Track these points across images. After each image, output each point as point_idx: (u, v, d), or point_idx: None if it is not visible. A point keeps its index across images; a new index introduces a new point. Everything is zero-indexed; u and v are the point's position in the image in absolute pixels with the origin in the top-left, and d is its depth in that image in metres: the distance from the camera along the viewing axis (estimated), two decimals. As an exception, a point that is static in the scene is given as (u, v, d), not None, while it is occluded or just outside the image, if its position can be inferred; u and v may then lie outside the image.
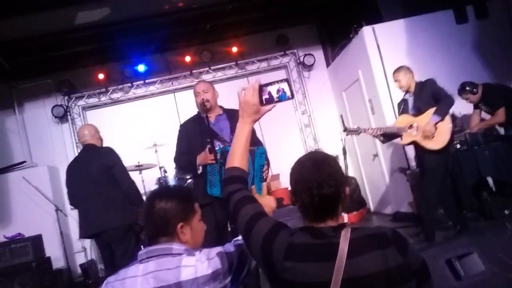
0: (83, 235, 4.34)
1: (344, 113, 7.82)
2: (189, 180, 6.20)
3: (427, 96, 4.57)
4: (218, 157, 3.42)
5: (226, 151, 3.48)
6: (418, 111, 4.62)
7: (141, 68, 7.82)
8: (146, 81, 8.09)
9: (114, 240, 4.14)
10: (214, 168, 3.50)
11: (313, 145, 8.19)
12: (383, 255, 1.43)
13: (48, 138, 7.88)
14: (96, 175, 4.15)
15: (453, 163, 4.95)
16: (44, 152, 7.77)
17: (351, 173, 7.93)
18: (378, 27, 6.50)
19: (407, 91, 4.83)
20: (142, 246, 5.44)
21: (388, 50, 6.43)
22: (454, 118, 4.69)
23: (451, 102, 4.51)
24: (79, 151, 7.63)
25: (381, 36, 6.47)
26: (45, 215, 6.76)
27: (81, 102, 8.04)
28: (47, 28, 6.05)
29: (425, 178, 4.65)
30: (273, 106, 1.74)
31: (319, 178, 1.48)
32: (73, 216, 7.47)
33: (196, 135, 3.75)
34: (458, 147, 5.14)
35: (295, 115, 8.36)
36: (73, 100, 7.98)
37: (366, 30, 6.51)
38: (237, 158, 1.74)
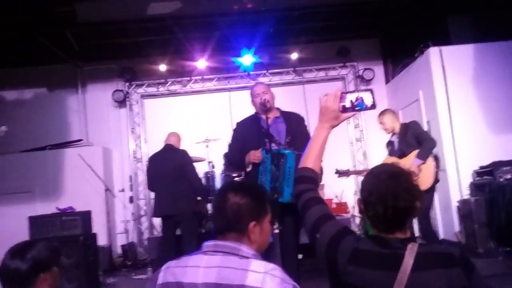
0: (157, 214, 5.44)
1: (398, 132, 7.66)
2: (236, 179, 6.27)
3: (411, 138, 4.72)
4: (270, 158, 3.45)
5: (281, 154, 3.51)
6: (402, 153, 4.75)
7: (201, 64, 7.98)
8: (204, 77, 8.25)
9: (183, 221, 5.17)
10: (266, 169, 3.53)
11: (362, 160, 8.09)
12: (447, 275, 1.42)
13: (105, 121, 8.19)
14: (172, 169, 5.18)
15: (510, 197, 4.83)
16: (100, 133, 8.08)
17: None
18: (445, 49, 6.37)
19: (393, 133, 4.96)
20: (202, 230, 5.92)
21: (454, 74, 6.28)
22: (436, 158, 4.74)
23: (432, 145, 4.67)
24: (134, 137, 8.00)
25: (447, 59, 6.32)
26: (94, 194, 7.02)
27: (140, 90, 8.31)
28: (120, 15, 6.30)
29: (420, 220, 4.72)
30: (353, 114, 1.77)
31: (395, 191, 1.50)
32: (119, 198, 7.76)
33: (252, 134, 3.78)
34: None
35: (347, 128, 8.28)
36: (133, 87, 8.26)
37: (433, 51, 6.38)
38: (311, 159, 1.78)
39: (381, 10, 7.11)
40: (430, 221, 4.83)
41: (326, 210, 1.69)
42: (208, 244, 1.59)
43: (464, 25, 6.74)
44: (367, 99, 1.74)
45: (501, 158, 5.73)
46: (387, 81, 8.33)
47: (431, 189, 4.68)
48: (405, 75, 7.33)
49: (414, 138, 4.68)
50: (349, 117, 1.79)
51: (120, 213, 7.83)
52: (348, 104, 1.74)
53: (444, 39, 6.57)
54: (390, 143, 5.01)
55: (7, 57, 7.61)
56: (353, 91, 1.78)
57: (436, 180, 4.67)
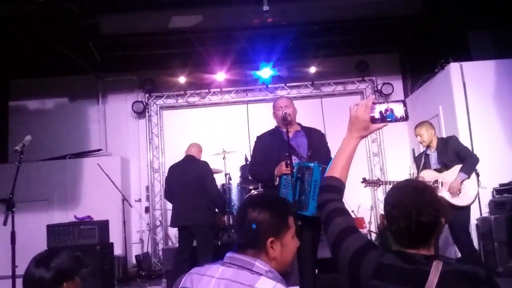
0: (174, 224, 5.36)
1: (417, 147, 7.58)
2: (253, 191, 6.27)
3: (451, 153, 4.66)
4: (295, 170, 3.45)
5: (304, 166, 3.50)
6: (444, 166, 4.69)
7: (219, 76, 8.05)
8: (223, 89, 8.32)
9: (199, 233, 5.11)
10: (289, 182, 3.52)
11: (379, 175, 8.01)
12: None
13: (124, 131, 8.30)
14: (192, 180, 5.18)
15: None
16: (118, 143, 8.20)
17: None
18: (466, 65, 6.30)
19: (428, 146, 4.88)
20: (219, 242, 5.87)
21: (474, 90, 6.21)
22: (478, 175, 4.67)
23: (476, 161, 4.61)
24: (152, 147, 8.08)
25: (468, 75, 6.25)
26: (111, 203, 7.08)
27: (160, 102, 8.41)
28: (143, 28, 6.41)
29: (463, 234, 4.60)
30: (383, 125, 1.74)
31: (419, 205, 1.48)
32: (135, 208, 7.81)
33: (273, 148, 3.80)
34: None
35: (365, 142, 8.22)
36: (153, 99, 8.37)
37: (453, 67, 6.32)
38: (338, 169, 1.76)
39: (400, 25, 7.10)
40: (471, 237, 4.73)
41: (350, 222, 1.66)
42: (228, 255, 1.62)
43: (485, 41, 6.69)
44: (398, 110, 1.71)
45: (522, 176, 5.62)
46: (406, 95, 8.28)
47: (469, 206, 4.62)
48: (425, 90, 7.28)
49: (455, 153, 4.64)
50: (379, 128, 1.76)
51: (135, 223, 7.89)
52: (377, 115, 1.71)
53: (465, 55, 6.52)
54: (425, 156, 4.91)
55: (30, 67, 7.81)
56: (384, 102, 1.75)
57: (476, 197, 4.63)
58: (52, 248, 4.84)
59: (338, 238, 1.61)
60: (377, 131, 8.13)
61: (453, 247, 5.91)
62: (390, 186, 4.90)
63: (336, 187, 1.74)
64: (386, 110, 1.71)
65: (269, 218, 1.60)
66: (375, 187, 5.53)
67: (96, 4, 5.87)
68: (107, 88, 8.44)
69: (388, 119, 1.71)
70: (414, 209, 1.47)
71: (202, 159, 5.61)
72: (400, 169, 7.71)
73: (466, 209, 4.59)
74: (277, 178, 3.63)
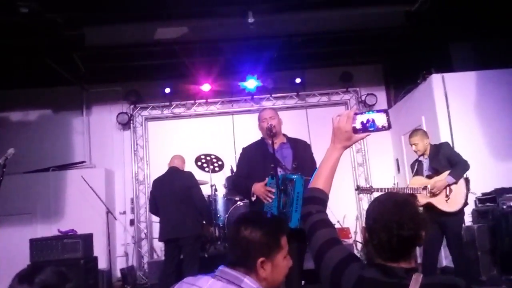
0: (162, 238, 5.29)
1: (400, 157, 7.69)
2: (239, 202, 6.26)
3: (443, 159, 4.68)
4: (279, 184, 3.45)
5: (287, 178, 3.51)
6: (435, 172, 4.70)
7: (205, 87, 8.05)
8: (208, 100, 8.32)
9: (186, 245, 5.06)
10: (273, 194, 3.52)
11: (364, 185, 8.04)
12: None
13: (109, 143, 8.24)
14: (178, 192, 5.13)
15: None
16: (103, 155, 8.12)
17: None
18: (448, 76, 6.43)
19: (422, 154, 4.90)
20: (205, 255, 5.86)
21: (456, 101, 6.33)
22: (467, 181, 4.70)
23: (466, 167, 4.62)
24: (137, 159, 8.01)
25: (450, 85, 6.38)
26: (95, 216, 6.99)
27: (145, 113, 8.37)
28: (128, 39, 6.40)
29: (454, 240, 4.63)
30: (366, 135, 1.75)
31: (400, 219, 1.49)
32: (120, 221, 7.73)
33: (258, 160, 3.80)
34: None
35: (350, 152, 8.29)
36: (138, 110, 8.33)
37: (435, 78, 6.44)
38: (322, 180, 1.76)
39: (384, 37, 7.21)
40: (462, 244, 4.77)
41: (333, 234, 1.67)
42: (219, 268, 1.62)
43: (466, 52, 6.83)
44: (380, 120, 1.71)
45: (503, 185, 5.71)
46: (389, 106, 8.38)
47: (461, 212, 4.62)
48: (408, 101, 7.39)
49: (446, 159, 4.66)
50: (362, 138, 1.77)
51: (120, 236, 7.80)
52: (359, 125, 1.72)
53: (447, 66, 6.65)
54: (417, 163, 4.93)
55: (13, 78, 7.72)
56: (366, 112, 1.74)
57: (466, 203, 4.62)
58: (36, 263, 4.76)
59: (321, 250, 1.62)
60: (361, 141, 8.22)
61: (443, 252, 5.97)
62: (382, 193, 4.93)
63: (320, 199, 1.74)
64: (368, 120, 1.72)
65: (260, 237, 1.59)
66: (369, 194, 5.55)
67: (81, 16, 5.85)
68: (92, 100, 8.38)
69: (370, 129, 1.72)
70: (395, 223, 1.48)
71: (186, 170, 5.59)
72: (385, 178, 7.78)
73: (457, 215, 4.59)
74: (254, 195, 3.64)
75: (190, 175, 5.37)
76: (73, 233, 5.38)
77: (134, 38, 6.37)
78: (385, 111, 1.73)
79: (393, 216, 1.50)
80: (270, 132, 3.71)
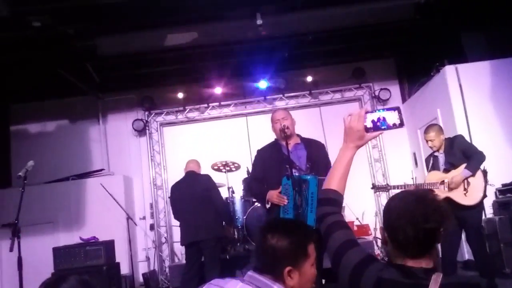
0: (183, 242, 5.33)
1: (417, 151, 7.62)
2: (256, 204, 6.29)
3: (458, 152, 4.62)
4: (293, 185, 3.47)
5: (301, 179, 3.52)
6: (452, 166, 4.64)
7: (218, 90, 8.11)
8: (221, 103, 8.37)
9: (207, 247, 5.10)
10: (289, 196, 3.54)
11: (381, 181, 8.02)
12: None
13: (126, 149, 8.34)
14: (197, 195, 5.17)
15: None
16: (121, 162, 8.23)
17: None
18: (461, 67, 6.35)
19: (437, 149, 4.84)
20: (227, 256, 5.96)
21: (471, 91, 6.25)
22: (485, 173, 4.61)
23: (482, 158, 4.54)
24: (154, 164, 8.11)
25: (464, 77, 6.30)
26: (116, 222, 7.08)
27: (160, 118, 8.46)
28: (139, 47, 6.47)
29: (474, 234, 4.57)
30: (378, 134, 1.74)
31: (425, 212, 1.48)
32: (140, 226, 7.82)
33: (273, 161, 3.82)
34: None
35: (366, 148, 8.23)
36: (153, 116, 8.42)
37: (449, 69, 6.37)
38: (336, 181, 1.75)
39: (394, 31, 7.16)
40: (483, 238, 4.72)
41: (350, 235, 1.66)
42: (248, 274, 1.63)
43: (479, 41, 6.72)
44: (392, 118, 1.70)
45: (523, 175, 5.63)
46: (404, 100, 8.32)
47: (480, 204, 4.58)
48: (422, 94, 7.32)
49: (461, 152, 4.60)
50: (374, 137, 1.77)
51: (141, 241, 7.89)
52: (369, 124, 1.71)
53: (460, 57, 6.56)
54: (433, 158, 4.87)
55: (30, 91, 7.89)
56: (377, 110, 1.74)
57: (485, 195, 4.56)
58: (60, 271, 4.86)
59: (338, 252, 1.60)
60: (378, 136, 8.16)
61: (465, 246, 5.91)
62: (399, 190, 4.90)
63: (334, 200, 1.73)
64: (379, 118, 1.71)
65: (287, 246, 1.59)
66: (385, 192, 5.52)
67: (92, 27, 5.94)
68: (107, 108, 8.50)
69: (382, 128, 1.71)
70: (420, 216, 1.47)
71: (203, 173, 5.63)
72: (402, 173, 7.71)
73: (476, 208, 4.53)
74: (269, 203, 3.65)
75: (207, 177, 5.43)
76: (95, 240, 5.48)
77: (145, 46, 6.44)
78: (397, 109, 1.72)
79: (417, 210, 1.48)
80: (284, 134, 3.73)
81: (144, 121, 8.27)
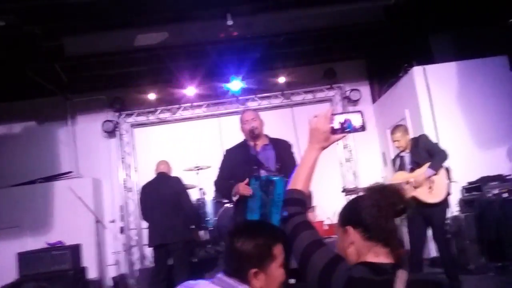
0: (151, 244, 5.29)
1: (386, 151, 7.73)
2: (226, 204, 6.26)
3: (423, 151, 4.73)
4: (260, 186, 3.47)
5: (270, 180, 3.53)
6: (418, 166, 4.74)
7: (190, 91, 8.04)
8: (194, 104, 8.31)
9: (175, 250, 5.08)
10: (256, 195, 3.54)
11: (352, 180, 8.11)
12: None
13: (95, 152, 8.19)
14: (167, 197, 5.16)
15: (498, 213, 4.88)
16: (90, 164, 8.07)
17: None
18: (429, 68, 6.49)
19: (404, 149, 4.95)
20: (195, 259, 5.89)
21: (438, 92, 6.38)
22: (449, 171, 4.74)
23: (445, 157, 4.67)
24: (124, 166, 7.99)
25: (431, 77, 6.43)
26: (85, 226, 6.96)
27: (130, 120, 8.34)
28: (108, 47, 6.37)
29: (439, 232, 4.67)
30: (343, 136, 1.76)
31: (392, 199, 1.52)
32: (110, 229, 7.69)
33: (241, 162, 3.81)
34: (505, 196, 5.06)
35: (336, 148, 8.31)
36: (123, 117, 8.29)
37: (417, 70, 6.49)
38: (301, 181, 1.74)
39: (364, 32, 7.23)
40: (446, 235, 4.84)
41: (316, 236, 1.65)
42: (217, 276, 1.65)
43: (446, 43, 6.87)
44: (356, 120, 1.72)
45: (488, 173, 5.76)
46: (374, 100, 8.43)
47: (445, 202, 4.66)
48: (391, 94, 7.44)
49: (426, 151, 4.71)
50: (339, 139, 1.78)
51: (111, 244, 7.75)
52: (337, 126, 1.72)
53: (428, 58, 6.69)
54: (399, 158, 4.97)
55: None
56: (342, 113, 1.77)
57: (449, 193, 4.67)
58: (24, 278, 4.72)
59: (306, 253, 1.59)
60: (348, 137, 8.25)
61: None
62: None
63: (300, 200, 1.72)
64: (345, 120, 1.72)
65: (252, 249, 1.60)
66: (355, 194, 5.59)
67: (59, 26, 5.81)
68: (76, 109, 8.32)
69: (347, 130, 1.73)
70: (389, 205, 1.51)
71: (174, 175, 5.58)
72: (372, 172, 7.83)
73: (440, 206, 4.62)
74: (236, 195, 3.65)
75: (177, 180, 5.40)
76: (61, 245, 5.36)
77: (115, 46, 6.33)
78: (360, 112, 1.74)
79: (387, 199, 1.52)
80: (253, 134, 3.75)
81: (114, 122, 8.14)
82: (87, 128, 8.27)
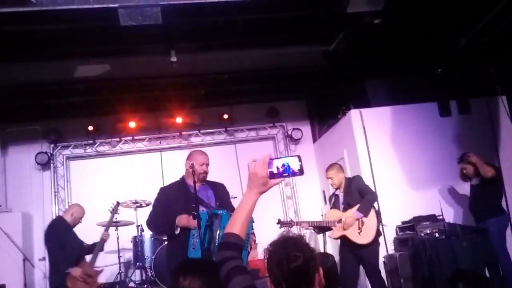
0: None
1: (326, 189, 7.90)
2: (166, 242, 6.08)
3: (355, 192, 4.94)
4: (206, 220, 3.46)
5: (213, 214, 3.52)
6: (349, 206, 4.93)
7: (131, 124, 7.90)
8: (135, 137, 8.14)
9: None
10: (201, 228, 3.52)
11: (293, 217, 8.18)
12: None
13: (27, 184, 7.75)
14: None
15: (431, 251, 5.07)
16: (20, 197, 7.62)
17: (329, 250, 7.87)
18: (365, 111, 6.79)
19: (337, 187, 5.15)
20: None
21: (374, 134, 6.67)
22: (378, 213, 4.99)
23: (374, 199, 4.92)
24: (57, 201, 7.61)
25: (367, 120, 6.73)
26: (11, 264, 6.51)
27: (66, 152, 8.01)
28: (45, 77, 6.17)
29: (371, 270, 4.88)
30: (281, 180, 1.80)
31: (287, 251, 1.59)
32: (40, 268, 7.22)
33: (180, 200, 3.81)
34: (436, 236, 5.27)
35: (279, 186, 8.40)
36: (59, 149, 7.95)
37: (354, 113, 6.77)
38: (238, 225, 1.77)
39: (305, 74, 7.50)
40: (380, 274, 4.95)
41: (249, 281, 1.68)
42: None
43: (381, 88, 7.25)
44: (294, 164, 1.76)
45: (421, 213, 6.01)
46: (314, 140, 8.67)
47: (375, 243, 4.80)
48: (330, 135, 7.69)
49: (357, 192, 4.86)
50: (277, 183, 1.81)
51: (40, 283, 7.25)
52: (275, 170, 1.76)
53: (364, 102, 7.01)
54: (334, 196, 5.12)
55: None
56: (281, 157, 1.81)
57: (379, 233, 4.81)
58: None
59: None
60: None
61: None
62: (302, 226, 5.09)
63: (236, 244, 1.75)
64: (283, 165, 1.76)
65: (200, 286, 1.63)
66: (289, 228, 5.68)
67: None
68: (8, 139, 7.89)
69: (285, 174, 1.77)
70: (283, 255, 1.58)
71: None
72: (313, 210, 7.94)
73: (370, 246, 4.77)
74: (178, 228, 3.62)
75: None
76: (-18, 286, 4.95)
77: (52, 76, 6.16)
78: (298, 157, 1.79)
79: (282, 250, 1.60)
80: (202, 178, 3.86)
81: (49, 154, 7.78)
82: (19, 160, 7.84)
